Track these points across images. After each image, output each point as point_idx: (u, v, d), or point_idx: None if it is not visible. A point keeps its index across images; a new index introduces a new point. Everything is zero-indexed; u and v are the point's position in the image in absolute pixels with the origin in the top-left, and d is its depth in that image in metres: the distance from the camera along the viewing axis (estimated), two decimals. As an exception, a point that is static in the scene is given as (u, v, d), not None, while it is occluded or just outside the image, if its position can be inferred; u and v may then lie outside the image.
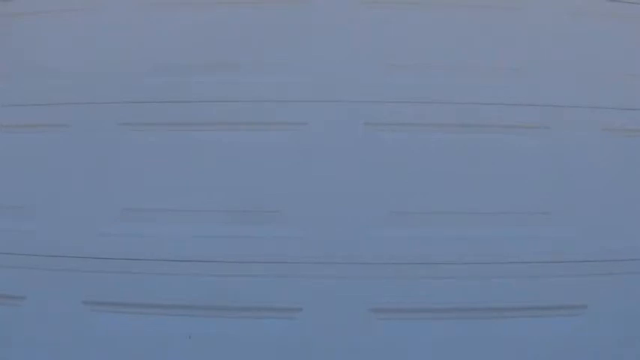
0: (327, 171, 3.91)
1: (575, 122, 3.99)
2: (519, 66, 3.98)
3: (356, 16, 3.95)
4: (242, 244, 3.90)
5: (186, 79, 3.97)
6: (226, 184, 3.95)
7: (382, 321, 3.86)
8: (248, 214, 3.93)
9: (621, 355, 3.90)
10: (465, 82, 3.97)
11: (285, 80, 3.93)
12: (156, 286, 3.91)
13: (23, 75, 4.11)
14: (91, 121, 4.02)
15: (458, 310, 3.87)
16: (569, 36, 4.01)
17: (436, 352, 3.86)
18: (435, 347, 3.86)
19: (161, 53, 4.02)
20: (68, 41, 4.07)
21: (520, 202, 3.94)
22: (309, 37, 3.96)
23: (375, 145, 3.93)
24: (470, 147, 3.95)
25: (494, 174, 3.95)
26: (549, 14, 4.01)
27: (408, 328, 3.86)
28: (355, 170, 3.92)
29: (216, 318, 3.88)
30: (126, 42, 4.02)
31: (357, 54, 3.95)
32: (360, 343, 3.85)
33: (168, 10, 4.02)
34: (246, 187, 3.94)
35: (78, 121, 4.03)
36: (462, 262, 3.88)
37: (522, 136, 3.97)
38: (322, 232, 3.89)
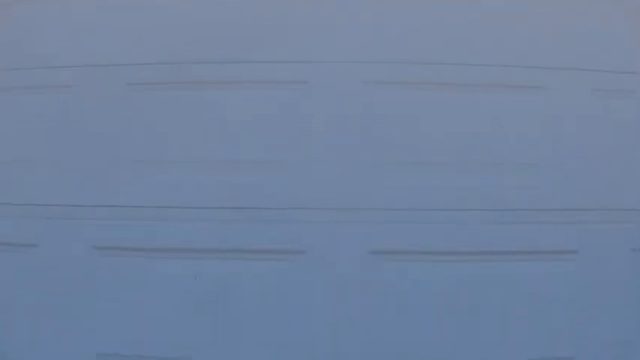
0: (328, 124, 4.12)
1: (566, 82, 4.21)
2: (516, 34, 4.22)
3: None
4: (247, 192, 4.08)
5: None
6: (232, 139, 4.15)
7: (382, 262, 4.03)
8: (252, 164, 4.12)
9: (609, 296, 4.10)
10: (461, 44, 4.20)
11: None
12: (163, 231, 4.07)
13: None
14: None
15: (455, 253, 4.06)
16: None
17: (434, 292, 4.03)
18: (433, 287, 4.04)
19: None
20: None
21: (514, 154, 4.15)
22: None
23: (376, 101, 4.15)
24: (465, 105, 4.17)
25: (488, 129, 4.16)
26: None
27: (407, 269, 4.03)
28: (357, 123, 4.13)
29: (221, 260, 4.04)
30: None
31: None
32: (360, 284, 4.01)
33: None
34: (251, 140, 4.14)
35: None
36: (459, 209, 4.08)
37: (516, 96, 4.19)
38: (324, 180, 4.09)
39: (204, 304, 4.02)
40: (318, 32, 4.16)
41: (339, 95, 4.12)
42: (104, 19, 4.22)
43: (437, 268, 4.04)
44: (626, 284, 4.13)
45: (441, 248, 4.06)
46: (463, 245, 4.07)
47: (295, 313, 3.99)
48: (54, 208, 4.14)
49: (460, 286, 4.04)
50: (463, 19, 4.20)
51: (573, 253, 4.10)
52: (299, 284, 4.01)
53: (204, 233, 4.06)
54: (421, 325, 4.01)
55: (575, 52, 4.22)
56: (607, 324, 4.08)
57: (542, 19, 4.21)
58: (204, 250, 4.05)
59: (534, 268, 4.07)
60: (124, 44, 4.21)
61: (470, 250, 4.07)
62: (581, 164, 4.17)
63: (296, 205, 4.07)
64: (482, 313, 4.04)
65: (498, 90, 4.17)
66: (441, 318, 4.03)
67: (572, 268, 4.08)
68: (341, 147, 4.10)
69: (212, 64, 4.17)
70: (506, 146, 4.15)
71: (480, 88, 4.18)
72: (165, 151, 4.16)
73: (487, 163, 4.13)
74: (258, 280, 4.02)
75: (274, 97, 4.13)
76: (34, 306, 4.11)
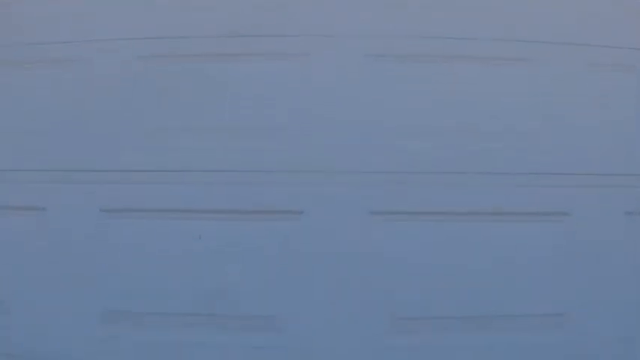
0: (328, 93, 4.27)
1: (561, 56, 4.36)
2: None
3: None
4: (249, 155, 4.23)
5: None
6: (235, 107, 4.30)
7: (380, 222, 4.14)
8: (254, 130, 4.27)
9: (603, 257, 4.19)
10: (456, 20, 4.36)
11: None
12: (169, 194, 4.21)
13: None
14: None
15: (452, 213, 4.17)
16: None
17: (431, 249, 4.15)
18: (429, 245, 4.16)
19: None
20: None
21: (510, 122, 4.28)
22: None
23: (375, 72, 4.30)
24: (461, 75, 4.31)
25: (484, 98, 4.29)
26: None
27: (405, 228, 4.14)
28: (354, 93, 4.28)
29: (225, 221, 4.17)
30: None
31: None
32: (359, 242, 4.12)
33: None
34: (253, 108, 4.29)
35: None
36: (456, 172, 4.20)
37: (511, 68, 4.33)
38: (323, 145, 4.23)
39: (207, 263, 4.14)
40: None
41: (338, 67, 4.27)
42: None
43: (434, 228, 4.15)
44: (619, 246, 4.21)
45: (439, 209, 4.16)
46: (460, 206, 4.17)
47: (295, 270, 4.10)
48: (64, 173, 4.29)
49: (457, 245, 4.15)
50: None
51: (567, 215, 4.20)
52: (298, 243, 4.12)
53: (208, 195, 4.19)
54: (417, 282, 4.12)
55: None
56: (600, 283, 4.16)
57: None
58: (206, 211, 4.18)
59: (528, 228, 4.17)
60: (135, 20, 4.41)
61: (467, 210, 4.16)
62: (576, 132, 4.28)
63: (296, 168, 4.20)
64: (476, 270, 4.15)
65: (497, 62, 4.32)
66: (438, 275, 4.13)
67: (566, 229, 4.18)
68: (340, 114, 4.24)
69: (217, 38, 4.35)
70: (504, 115, 4.28)
71: (479, 60, 4.32)
72: (172, 119, 4.31)
73: (484, 132, 4.25)
74: (259, 239, 4.14)
75: (277, 68, 4.29)
76: (43, 267, 4.24)
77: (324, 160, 4.21)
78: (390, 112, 4.25)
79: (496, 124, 4.27)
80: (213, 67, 4.33)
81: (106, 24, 4.41)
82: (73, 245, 4.23)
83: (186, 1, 4.39)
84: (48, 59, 4.44)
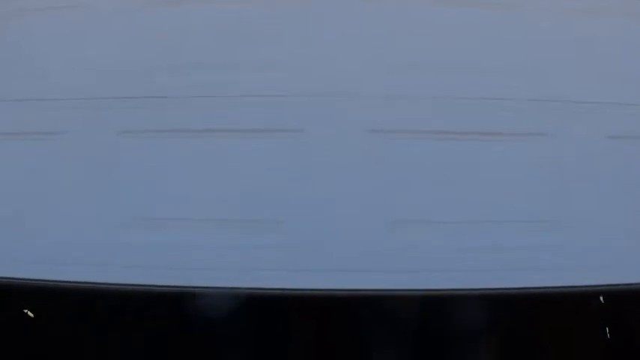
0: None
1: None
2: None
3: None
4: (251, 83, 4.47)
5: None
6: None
7: (378, 140, 4.39)
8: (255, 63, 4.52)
9: (585, 174, 4.45)
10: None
11: None
12: (180, 114, 4.47)
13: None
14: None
15: (448, 132, 4.43)
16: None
17: (426, 165, 4.40)
18: (425, 161, 4.41)
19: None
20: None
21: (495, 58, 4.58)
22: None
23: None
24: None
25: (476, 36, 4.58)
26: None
27: (403, 145, 4.38)
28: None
29: (228, 139, 4.41)
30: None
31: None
32: (356, 158, 4.38)
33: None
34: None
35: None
36: (452, 97, 4.48)
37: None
38: (319, 73, 4.48)
39: (211, 177, 4.35)
40: None
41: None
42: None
43: (432, 146, 4.39)
44: (600, 166, 4.44)
45: (436, 128, 4.41)
46: (454, 126, 4.43)
47: (295, 182, 4.31)
48: (84, 100, 4.55)
49: (451, 160, 4.39)
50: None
51: (548, 136, 4.44)
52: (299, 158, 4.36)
53: (214, 116, 4.43)
54: (413, 192, 4.33)
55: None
56: (580, 197, 4.37)
57: None
58: (212, 130, 4.42)
59: (517, 147, 4.41)
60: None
61: (460, 130, 4.42)
62: (554, 61, 4.58)
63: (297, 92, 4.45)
64: (469, 183, 4.37)
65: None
66: (435, 186, 4.34)
67: (548, 149, 4.41)
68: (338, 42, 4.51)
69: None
70: (486, 49, 4.58)
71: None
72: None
73: (475, 64, 4.52)
74: (259, 154, 4.36)
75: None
76: (64, 185, 4.47)
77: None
78: (388, 41, 4.49)
79: (482, 59, 4.57)
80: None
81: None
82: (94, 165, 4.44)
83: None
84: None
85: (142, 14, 4.51)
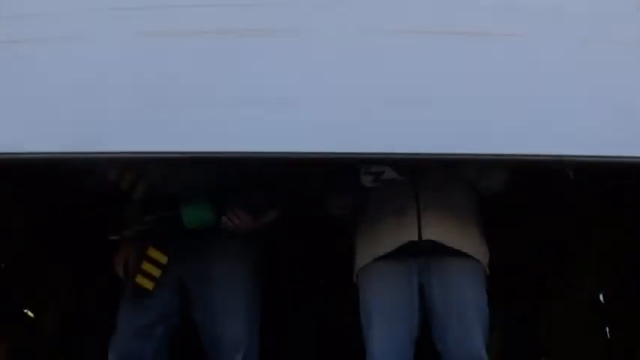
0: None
1: None
2: None
3: None
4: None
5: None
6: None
7: (375, 39, 4.20)
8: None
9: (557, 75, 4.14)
10: None
11: None
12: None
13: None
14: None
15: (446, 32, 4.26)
16: None
17: (420, 60, 4.08)
18: (420, 58, 4.05)
19: None
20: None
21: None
22: None
23: None
24: None
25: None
26: None
27: (403, 44, 4.19)
28: None
29: (228, 40, 4.10)
30: None
31: None
32: (353, 56, 4.02)
33: None
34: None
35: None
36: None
37: None
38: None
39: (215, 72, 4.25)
40: None
41: None
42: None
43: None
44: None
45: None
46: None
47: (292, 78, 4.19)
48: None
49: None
50: None
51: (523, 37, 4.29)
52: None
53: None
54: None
55: None
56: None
57: None
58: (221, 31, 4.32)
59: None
60: None
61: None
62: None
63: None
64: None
65: None
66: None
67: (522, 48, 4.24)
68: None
69: None
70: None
71: None
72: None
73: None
74: (257, 53, 4.29)
75: None
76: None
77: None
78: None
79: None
80: None
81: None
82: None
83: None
84: None
85: None
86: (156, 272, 3.66)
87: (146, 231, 3.71)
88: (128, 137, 3.89)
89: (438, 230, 3.61)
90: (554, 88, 3.89)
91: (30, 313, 5.88)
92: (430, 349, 3.80)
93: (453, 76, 4.01)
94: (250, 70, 4.04)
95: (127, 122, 3.90)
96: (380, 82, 3.98)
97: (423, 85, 4.16)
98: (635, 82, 3.93)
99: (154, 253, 3.68)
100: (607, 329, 5.87)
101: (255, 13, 4.18)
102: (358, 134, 3.82)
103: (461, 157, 3.80)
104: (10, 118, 3.92)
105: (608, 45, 4.09)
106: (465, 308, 3.56)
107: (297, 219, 4.48)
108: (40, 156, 3.83)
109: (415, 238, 3.59)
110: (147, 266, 3.67)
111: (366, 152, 3.83)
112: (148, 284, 3.65)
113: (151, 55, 4.11)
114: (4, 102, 3.99)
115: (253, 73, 4.05)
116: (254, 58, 4.06)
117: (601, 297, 5.94)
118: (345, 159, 3.90)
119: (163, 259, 3.67)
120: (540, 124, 3.81)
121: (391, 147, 3.83)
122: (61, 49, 4.18)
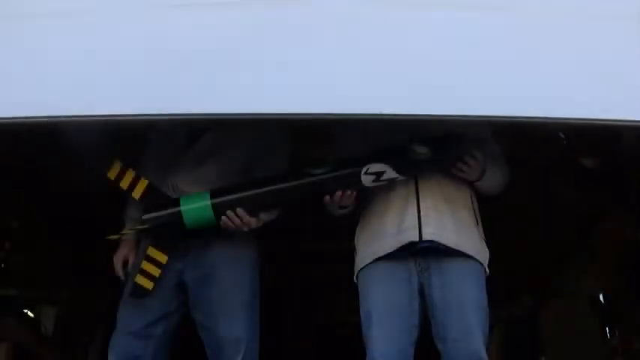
0: None
1: None
2: None
3: None
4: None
5: None
6: None
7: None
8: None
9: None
10: None
11: None
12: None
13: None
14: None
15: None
16: None
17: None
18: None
19: None
20: None
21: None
22: None
23: None
24: None
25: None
26: None
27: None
28: None
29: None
30: None
31: None
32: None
33: None
34: None
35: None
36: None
37: None
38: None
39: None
40: None
41: None
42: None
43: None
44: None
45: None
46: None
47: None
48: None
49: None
50: None
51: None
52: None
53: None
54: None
55: None
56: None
57: None
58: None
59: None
60: None
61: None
62: None
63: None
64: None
65: None
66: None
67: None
68: None
69: None
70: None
71: None
72: None
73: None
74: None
75: None
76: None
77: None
78: None
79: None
80: None
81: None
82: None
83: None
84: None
85: None
86: (156, 272, 3.62)
87: (146, 231, 3.69)
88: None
89: (438, 231, 3.58)
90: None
91: (30, 313, 5.89)
92: (430, 349, 3.81)
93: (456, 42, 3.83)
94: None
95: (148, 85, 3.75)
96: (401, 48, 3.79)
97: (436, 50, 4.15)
98: (624, 50, 3.82)
99: (153, 252, 3.64)
100: (607, 329, 5.89)
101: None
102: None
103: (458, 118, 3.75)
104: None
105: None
106: (465, 308, 3.53)
107: (296, 219, 4.49)
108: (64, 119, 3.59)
109: (415, 238, 3.55)
110: (147, 266, 3.63)
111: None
112: (148, 284, 3.61)
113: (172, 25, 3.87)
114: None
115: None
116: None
117: (601, 297, 5.95)
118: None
119: (163, 259, 3.63)
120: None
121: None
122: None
